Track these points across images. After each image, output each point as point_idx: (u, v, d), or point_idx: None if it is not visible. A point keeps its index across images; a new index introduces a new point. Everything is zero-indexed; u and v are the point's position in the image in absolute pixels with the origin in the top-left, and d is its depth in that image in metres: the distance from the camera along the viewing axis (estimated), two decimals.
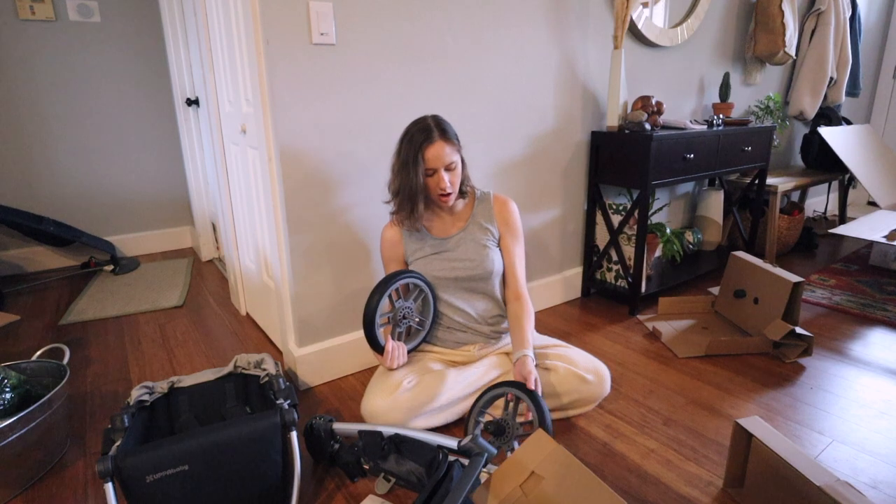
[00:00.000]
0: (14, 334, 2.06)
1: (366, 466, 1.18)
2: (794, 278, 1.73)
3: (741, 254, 2.01)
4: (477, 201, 1.51)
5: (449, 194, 1.38)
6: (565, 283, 2.26)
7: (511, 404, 1.26)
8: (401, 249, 1.49)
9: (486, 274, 1.46)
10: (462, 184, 1.43)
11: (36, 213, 2.77)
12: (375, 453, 1.15)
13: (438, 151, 1.32)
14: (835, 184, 3.70)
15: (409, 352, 1.45)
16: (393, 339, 1.40)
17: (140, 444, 1.09)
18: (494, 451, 1.03)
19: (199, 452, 0.99)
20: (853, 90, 3.29)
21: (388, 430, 1.15)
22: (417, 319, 1.45)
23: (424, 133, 1.32)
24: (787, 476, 1.00)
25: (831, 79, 3.06)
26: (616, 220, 2.21)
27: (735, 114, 2.79)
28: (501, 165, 1.91)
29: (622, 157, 2.03)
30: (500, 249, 1.51)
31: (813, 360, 1.74)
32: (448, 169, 1.36)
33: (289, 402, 1.14)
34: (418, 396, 1.33)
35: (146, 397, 1.21)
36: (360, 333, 1.71)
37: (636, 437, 1.36)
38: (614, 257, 2.20)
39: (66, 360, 1.41)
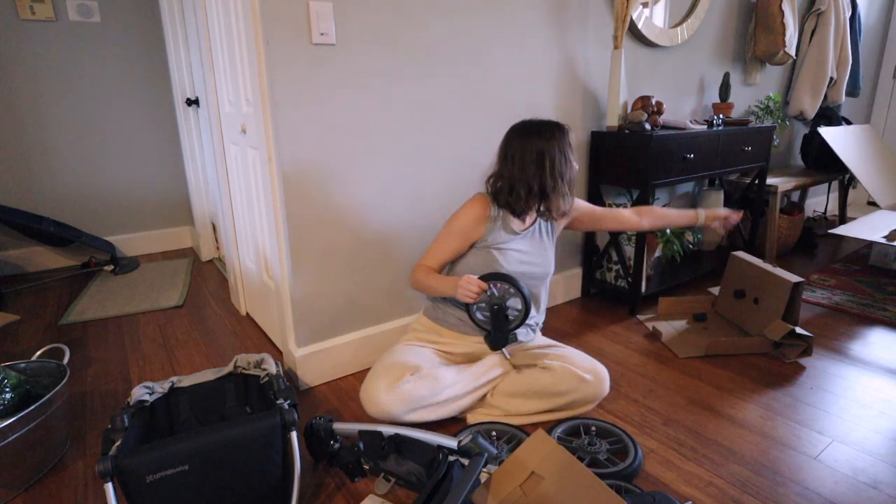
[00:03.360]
0: (14, 334, 2.06)
1: (366, 466, 1.18)
2: (794, 278, 1.73)
3: (741, 254, 2.01)
4: None
5: None
6: (565, 283, 2.26)
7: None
8: (481, 230, 1.44)
9: (544, 274, 1.53)
10: None
11: (36, 213, 2.77)
12: (375, 453, 1.15)
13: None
14: (835, 184, 3.70)
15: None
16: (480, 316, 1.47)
17: (140, 444, 1.09)
18: (494, 450, 1.03)
19: (199, 452, 0.99)
20: (853, 90, 3.29)
21: (388, 430, 1.15)
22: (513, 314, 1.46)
23: (556, 125, 1.40)
24: None
25: (831, 79, 3.06)
26: None
27: (735, 114, 2.79)
28: None
29: (622, 157, 2.03)
30: (581, 229, 1.65)
31: (813, 360, 1.74)
32: None
33: (289, 402, 1.14)
34: (419, 390, 1.34)
35: (146, 397, 1.21)
36: (360, 333, 1.71)
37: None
38: (614, 257, 2.20)
39: (66, 360, 1.41)
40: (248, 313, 2.22)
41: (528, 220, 1.50)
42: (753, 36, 2.70)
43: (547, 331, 1.96)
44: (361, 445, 1.17)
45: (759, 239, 2.80)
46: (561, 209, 1.44)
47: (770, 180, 2.67)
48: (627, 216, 1.67)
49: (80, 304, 2.34)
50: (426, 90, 1.65)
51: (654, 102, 2.03)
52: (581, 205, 1.62)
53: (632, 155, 1.98)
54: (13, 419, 1.16)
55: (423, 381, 1.36)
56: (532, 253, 1.49)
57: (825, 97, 3.12)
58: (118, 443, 1.01)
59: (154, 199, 3.13)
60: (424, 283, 1.47)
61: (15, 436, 1.17)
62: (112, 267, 2.78)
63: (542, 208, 1.43)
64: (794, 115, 3.09)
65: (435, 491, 0.95)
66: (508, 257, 1.45)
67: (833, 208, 3.84)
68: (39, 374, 1.39)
